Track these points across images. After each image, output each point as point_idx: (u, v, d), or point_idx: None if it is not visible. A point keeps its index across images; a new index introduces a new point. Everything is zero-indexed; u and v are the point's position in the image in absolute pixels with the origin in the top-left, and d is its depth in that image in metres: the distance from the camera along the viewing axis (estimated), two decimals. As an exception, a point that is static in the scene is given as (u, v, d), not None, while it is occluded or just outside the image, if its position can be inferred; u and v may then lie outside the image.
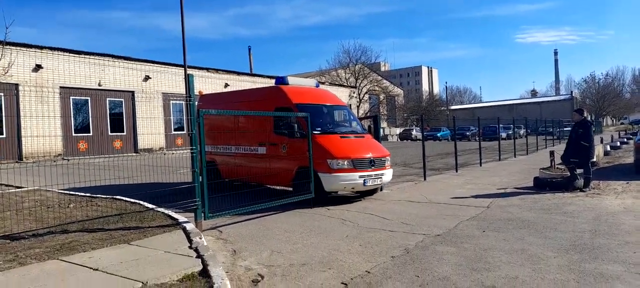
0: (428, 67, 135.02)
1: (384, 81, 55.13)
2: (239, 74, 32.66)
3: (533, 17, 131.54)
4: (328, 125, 10.07)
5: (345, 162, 9.04)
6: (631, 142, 20.17)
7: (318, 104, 10.42)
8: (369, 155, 9.45)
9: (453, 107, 73.57)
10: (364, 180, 9.20)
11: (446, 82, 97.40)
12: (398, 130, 49.60)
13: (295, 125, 9.48)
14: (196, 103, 11.55)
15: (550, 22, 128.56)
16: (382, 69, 58.69)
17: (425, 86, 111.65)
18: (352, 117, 11.26)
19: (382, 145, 10.59)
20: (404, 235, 6.54)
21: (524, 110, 62.71)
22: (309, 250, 5.85)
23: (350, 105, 48.71)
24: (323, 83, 43.56)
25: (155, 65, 27.67)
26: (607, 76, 60.44)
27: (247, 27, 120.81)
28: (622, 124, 66.76)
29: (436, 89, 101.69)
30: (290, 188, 9.61)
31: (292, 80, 10.91)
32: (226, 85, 30.66)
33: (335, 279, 4.75)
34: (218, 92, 13.06)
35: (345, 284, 4.61)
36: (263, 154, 10.19)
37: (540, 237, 6.20)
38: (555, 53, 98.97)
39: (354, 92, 48.30)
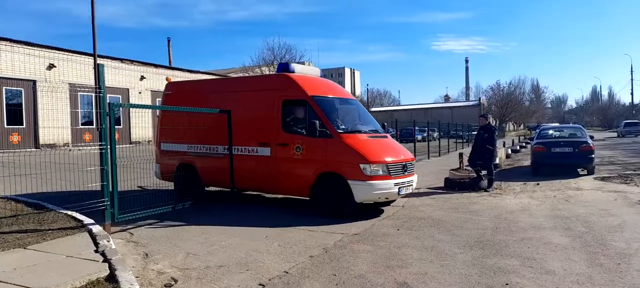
0: (351, 69, 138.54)
1: (308, 81, 55.58)
2: (156, 66, 31.12)
3: (447, 26, 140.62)
4: (349, 123, 8.52)
5: (380, 168, 7.60)
6: (529, 146, 22.28)
7: (334, 97, 8.84)
8: (402, 158, 8.15)
9: (373, 109, 76.05)
10: (399, 188, 7.83)
11: (368, 84, 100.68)
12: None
13: (317, 122, 7.81)
14: (164, 93, 10.34)
15: (463, 32, 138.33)
16: (306, 68, 59.19)
17: (348, 87, 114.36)
18: (367, 113, 9.65)
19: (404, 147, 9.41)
20: (323, 234, 6.62)
21: (438, 114, 66.51)
22: (226, 252, 5.71)
23: (274, 103, 48.36)
24: (246, 80, 42.89)
25: (62, 52, 25.44)
26: (510, 84, 66.01)
27: (168, 18, 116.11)
28: (522, 129, 73.45)
29: (358, 91, 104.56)
30: (307, 198, 8.19)
31: (297, 68, 9.05)
32: (142, 77, 29.10)
33: (252, 280, 4.68)
34: (196, 80, 11.13)
35: (263, 285, 4.56)
36: (266, 157, 8.45)
37: (448, 235, 6.59)
38: (466, 61, 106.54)
39: (277, 91, 48.07)
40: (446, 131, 32.80)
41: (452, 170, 12.49)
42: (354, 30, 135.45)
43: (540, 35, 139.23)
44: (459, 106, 74.50)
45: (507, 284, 4.52)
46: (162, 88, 32.42)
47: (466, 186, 11.18)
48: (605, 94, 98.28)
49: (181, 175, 9.17)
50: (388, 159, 7.78)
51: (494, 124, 50.80)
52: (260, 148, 8.60)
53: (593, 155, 13.81)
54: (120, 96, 26.85)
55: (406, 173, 8.09)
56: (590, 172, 13.70)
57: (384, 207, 8.61)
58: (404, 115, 63.03)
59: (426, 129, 28.95)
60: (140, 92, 28.81)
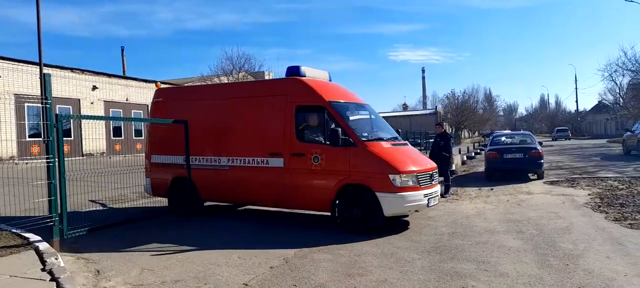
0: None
1: (268, 90, 55.32)
2: (109, 75, 30.06)
3: (403, 37, 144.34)
4: (367, 130, 7.95)
5: (410, 178, 7.10)
6: (483, 152, 23.08)
7: (349, 102, 8.25)
8: (428, 167, 7.68)
9: (334, 118, 76.26)
10: (428, 199, 7.37)
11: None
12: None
13: (339, 129, 7.22)
14: (153, 100, 9.61)
15: (419, 42, 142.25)
16: (266, 77, 58.72)
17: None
18: (382, 119, 9.05)
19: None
20: (284, 243, 6.56)
21: (396, 122, 67.67)
22: (183, 266, 5.55)
23: (233, 113, 47.76)
24: (205, 90, 42.16)
25: (8, 62, 24.14)
26: (464, 93, 68.23)
27: (125, 27, 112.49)
28: (477, 136, 76.01)
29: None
30: (327, 213, 7.65)
31: (307, 72, 8.24)
32: (94, 87, 28.02)
33: (210, 295, 4.56)
34: (189, 85, 10.11)
35: (222, 299, 4.46)
36: (279, 168, 7.78)
37: (407, 241, 6.69)
38: (423, 71, 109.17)
39: (237, 100, 47.55)
40: (405, 139, 33.31)
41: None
42: (313, 40, 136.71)
43: (491, 46, 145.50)
44: (417, 114, 76.22)
45: (464, 286, 4.63)
46: (116, 98, 31.23)
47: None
48: (552, 102, 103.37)
49: (176, 190, 8.83)
50: (416, 168, 7.28)
51: (450, 131, 52.35)
52: (271, 159, 7.89)
53: (542, 161, 14.45)
54: (70, 107, 25.75)
55: (433, 182, 7.69)
56: (540, 177, 14.32)
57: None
58: (363, 123, 63.57)
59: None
60: (92, 103, 27.73)
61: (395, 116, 76.66)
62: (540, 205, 9.49)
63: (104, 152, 25.98)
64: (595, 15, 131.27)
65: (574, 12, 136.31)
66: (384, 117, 10.03)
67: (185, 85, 10.04)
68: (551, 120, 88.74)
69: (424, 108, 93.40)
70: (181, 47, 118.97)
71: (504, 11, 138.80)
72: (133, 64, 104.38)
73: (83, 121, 25.05)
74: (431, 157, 11.72)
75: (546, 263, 5.38)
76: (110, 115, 26.77)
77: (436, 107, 75.78)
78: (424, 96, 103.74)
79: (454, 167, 14.20)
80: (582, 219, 7.88)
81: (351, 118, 7.80)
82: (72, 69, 27.53)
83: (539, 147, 14.88)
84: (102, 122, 25.72)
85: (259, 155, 8.05)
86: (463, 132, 70.62)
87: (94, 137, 25.33)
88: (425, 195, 7.28)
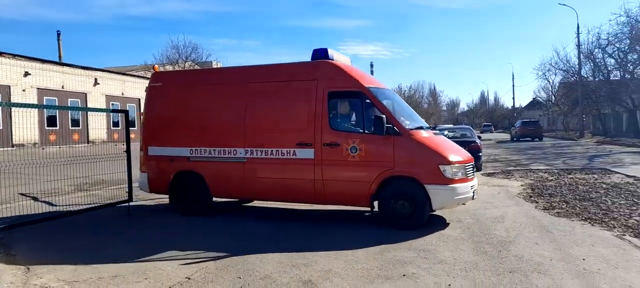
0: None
1: (215, 81, 54.24)
2: (43, 61, 28.19)
3: (353, 32, 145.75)
4: (406, 117, 7.39)
5: (459, 169, 6.76)
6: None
7: (380, 88, 7.64)
8: (469, 158, 7.26)
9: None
10: (473, 191, 7.04)
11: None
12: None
13: (384, 117, 6.72)
14: (150, 85, 8.65)
15: (368, 37, 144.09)
16: (214, 67, 57.61)
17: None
18: (407, 105, 8.51)
19: None
20: (230, 236, 6.48)
21: (344, 115, 68.60)
22: (123, 260, 5.35)
23: (179, 103, 46.38)
24: (149, 79, 40.67)
25: None
26: (410, 88, 70.18)
27: (63, 11, 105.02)
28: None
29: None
30: (367, 209, 7.29)
31: (335, 56, 7.57)
32: (26, 74, 26.22)
33: (151, 289, 4.43)
34: (193, 69, 8.40)
35: (163, 293, 4.35)
36: (308, 160, 7.14)
37: (352, 232, 6.81)
38: (371, 66, 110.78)
39: (183, 91, 46.25)
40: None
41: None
42: (263, 31, 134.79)
43: (436, 44, 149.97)
44: (365, 108, 77.29)
45: (404, 275, 4.79)
46: (51, 85, 29.43)
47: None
48: (491, 98, 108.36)
49: (181, 185, 8.06)
50: (462, 159, 6.96)
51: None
52: (299, 150, 7.19)
53: (481, 154, 15.17)
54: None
55: (474, 173, 7.41)
56: (479, 169, 15.00)
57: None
58: (312, 116, 64.03)
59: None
60: (24, 90, 25.94)
61: (344, 109, 77.39)
62: (478, 195, 9.94)
63: (36, 143, 24.44)
64: (532, 17, 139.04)
65: (514, 13, 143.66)
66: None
67: (188, 69, 8.54)
68: (490, 115, 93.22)
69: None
70: (123, 33, 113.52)
71: (450, 11, 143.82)
72: (71, 50, 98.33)
73: (13, 109, 23.42)
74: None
75: (481, 250, 5.67)
76: (44, 104, 25.13)
77: (383, 101, 77.01)
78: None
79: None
80: (515, 208, 8.35)
81: (390, 105, 7.28)
82: (1, 54, 25.59)
83: (478, 141, 15.62)
84: (35, 111, 24.12)
85: (284, 146, 7.32)
86: (409, 126, 72.44)
87: (25, 126, 23.76)
88: (471, 187, 6.98)
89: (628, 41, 32.39)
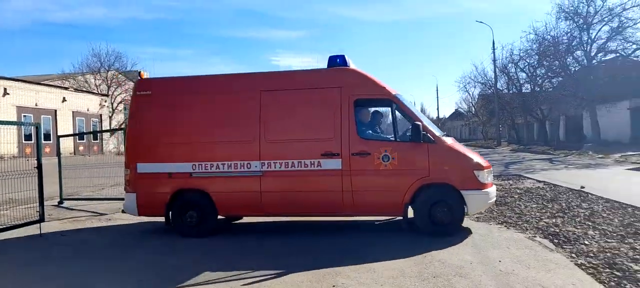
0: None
1: (142, 91, 51.95)
2: (-58, 69, 25.49)
3: (287, 43, 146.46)
4: (428, 125, 7.29)
5: (489, 174, 7.05)
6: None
7: (402, 96, 7.41)
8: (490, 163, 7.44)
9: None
10: (496, 195, 7.42)
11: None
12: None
13: (420, 124, 6.72)
14: (136, 94, 7.69)
15: (301, 48, 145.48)
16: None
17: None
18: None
19: None
20: (169, 250, 6.16)
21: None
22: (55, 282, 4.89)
23: (101, 115, 44.11)
24: (67, 89, 38.13)
25: None
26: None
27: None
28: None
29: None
30: (399, 217, 7.19)
31: (351, 64, 7.32)
32: None
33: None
34: (188, 76, 7.34)
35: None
36: (334, 170, 6.86)
37: (279, 242, 6.76)
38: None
39: (105, 101, 43.86)
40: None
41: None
42: (195, 40, 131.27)
43: (366, 55, 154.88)
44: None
45: (334, 286, 4.81)
46: (-51, 95, 26.25)
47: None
48: (418, 107, 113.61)
49: (181, 205, 7.27)
50: (488, 164, 7.13)
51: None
52: (324, 161, 6.89)
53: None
54: None
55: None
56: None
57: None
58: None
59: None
60: None
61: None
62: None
63: None
64: (454, 32, 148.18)
65: (438, 27, 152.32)
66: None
67: (178, 76, 7.24)
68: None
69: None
70: (39, 40, 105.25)
71: (379, 23, 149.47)
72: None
73: None
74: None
75: (408, 256, 5.84)
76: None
77: (316, 112, 78.07)
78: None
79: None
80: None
81: (416, 112, 7.31)
82: None
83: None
84: None
85: (307, 156, 6.94)
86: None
87: None
88: (495, 191, 7.28)
89: (537, 57, 35.44)
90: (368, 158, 6.85)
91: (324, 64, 7.27)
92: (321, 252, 6.15)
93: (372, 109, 7.72)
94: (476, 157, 7.06)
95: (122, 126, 37.30)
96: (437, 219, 6.79)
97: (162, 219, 7.52)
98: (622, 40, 29.32)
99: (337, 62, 7.17)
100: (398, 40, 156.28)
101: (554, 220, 7.67)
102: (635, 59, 29.96)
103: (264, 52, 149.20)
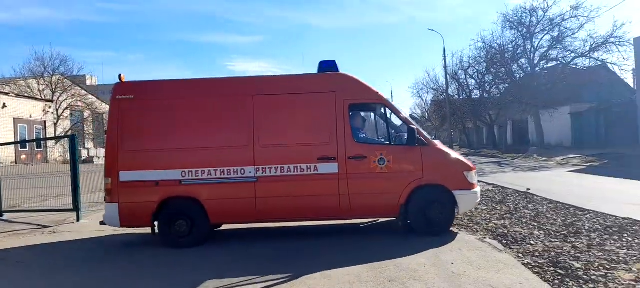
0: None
1: (90, 96, 49.72)
2: None
3: (243, 48, 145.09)
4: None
5: (476, 175, 7.42)
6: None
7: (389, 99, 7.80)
8: None
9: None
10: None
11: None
12: (106, 151, 45.33)
13: (415, 128, 6.98)
14: (116, 98, 7.13)
15: (258, 54, 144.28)
16: (88, 82, 52.47)
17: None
18: None
19: None
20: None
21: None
22: None
23: (45, 122, 41.92)
24: (7, 94, 35.96)
25: None
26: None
27: None
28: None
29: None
30: (393, 218, 7.49)
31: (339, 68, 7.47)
32: None
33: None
34: (173, 79, 6.70)
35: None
36: (330, 174, 6.90)
37: (243, 244, 6.65)
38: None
39: (50, 107, 41.69)
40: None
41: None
42: (146, 45, 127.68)
43: (323, 59, 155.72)
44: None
45: None
46: None
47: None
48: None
49: (169, 214, 6.93)
50: (474, 165, 7.46)
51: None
52: (321, 165, 6.92)
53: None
54: None
55: None
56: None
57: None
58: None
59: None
60: None
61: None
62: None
63: None
64: (408, 40, 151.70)
65: (393, 34, 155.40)
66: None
67: (164, 79, 6.73)
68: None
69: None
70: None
71: (334, 30, 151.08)
72: None
73: None
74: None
75: (364, 261, 5.89)
76: None
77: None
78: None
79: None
80: (393, 220, 8.86)
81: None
82: None
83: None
84: None
85: (303, 161, 6.93)
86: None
87: None
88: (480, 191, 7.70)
89: (485, 64, 37.01)
90: (364, 162, 6.99)
91: (281, 70, 7.42)
92: (281, 259, 6.10)
93: (363, 113, 7.92)
94: (464, 159, 7.46)
95: (69, 133, 35.63)
96: (431, 219, 7.04)
97: (111, 231, 7.21)
98: (562, 49, 31.25)
99: (327, 67, 7.30)
100: (353, 47, 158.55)
101: (502, 222, 7.99)
102: (574, 66, 31.90)
103: (219, 57, 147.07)
